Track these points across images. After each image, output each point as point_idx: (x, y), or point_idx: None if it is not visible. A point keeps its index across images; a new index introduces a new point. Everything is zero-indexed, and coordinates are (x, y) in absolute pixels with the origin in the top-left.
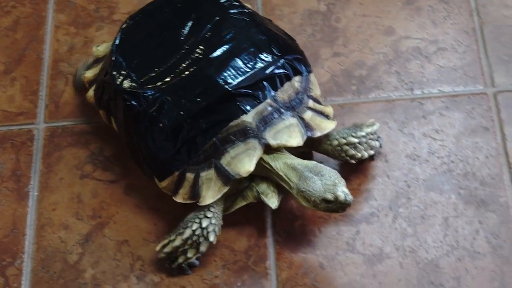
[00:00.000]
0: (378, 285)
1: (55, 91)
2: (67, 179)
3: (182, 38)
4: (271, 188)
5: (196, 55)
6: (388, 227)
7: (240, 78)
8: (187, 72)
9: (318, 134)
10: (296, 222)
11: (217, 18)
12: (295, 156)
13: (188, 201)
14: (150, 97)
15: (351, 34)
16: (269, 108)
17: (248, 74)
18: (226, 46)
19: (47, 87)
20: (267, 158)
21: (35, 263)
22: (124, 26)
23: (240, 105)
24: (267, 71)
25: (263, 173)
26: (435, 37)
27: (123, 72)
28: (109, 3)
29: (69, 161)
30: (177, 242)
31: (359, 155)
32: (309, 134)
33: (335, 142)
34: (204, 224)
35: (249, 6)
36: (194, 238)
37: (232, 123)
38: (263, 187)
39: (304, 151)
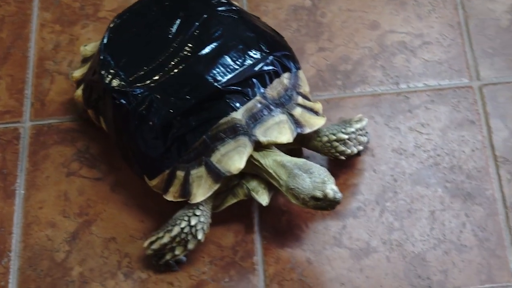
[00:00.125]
0: (365, 279)
1: (41, 89)
2: (54, 177)
3: (170, 36)
4: (261, 185)
5: (185, 53)
6: (375, 221)
7: (229, 76)
8: (176, 70)
9: (308, 130)
10: (283, 218)
11: (205, 16)
12: (285, 153)
13: (178, 199)
14: (139, 95)
15: (336, 29)
16: (259, 105)
17: (237, 71)
18: (215, 44)
19: (33, 85)
20: (256, 155)
21: (22, 262)
22: (112, 25)
23: (229, 103)
24: (256, 68)
25: (253, 170)
26: (420, 31)
27: (111, 71)
28: (94, 0)
29: (55, 159)
30: (165, 239)
31: (349, 151)
32: (299, 130)
33: (325, 139)
34: (193, 222)
35: (236, 3)
36: (183, 235)
37: (221, 121)
38: (253, 184)
39: (294, 148)
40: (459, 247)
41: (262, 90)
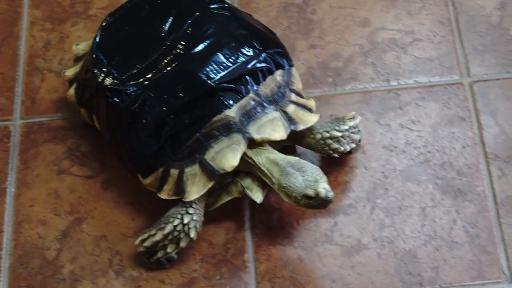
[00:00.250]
0: (357, 276)
1: (31, 87)
2: (44, 175)
3: (163, 34)
4: (255, 182)
5: (178, 50)
6: (366, 218)
7: (223, 73)
8: (169, 68)
9: (301, 127)
10: (274, 215)
11: (197, 13)
12: (278, 150)
13: (173, 197)
14: (132, 93)
15: (327, 26)
16: (252, 103)
17: (230, 69)
18: (208, 41)
19: (23, 83)
20: (250, 153)
21: (13, 260)
22: (104, 23)
23: (223, 100)
24: (249, 66)
25: (246, 168)
26: (411, 28)
27: (104, 69)
28: None
29: (46, 157)
30: (158, 236)
31: (342, 148)
32: (292, 127)
33: (318, 136)
34: (186, 220)
35: (227, 0)
36: (175, 233)
37: (215, 118)
38: (247, 182)
39: (287, 145)
40: (450, 244)
41: (255, 87)
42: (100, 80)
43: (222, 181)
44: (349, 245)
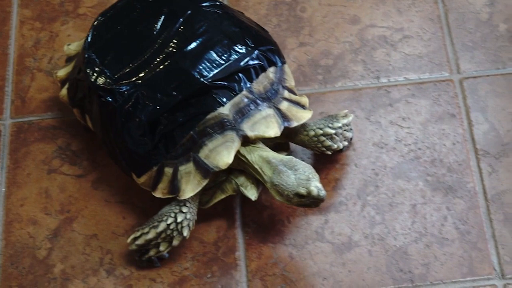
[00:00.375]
0: (348, 274)
1: (21, 87)
2: (35, 174)
3: (155, 33)
4: (250, 180)
5: (170, 49)
6: (356, 215)
7: (215, 71)
8: (161, 66)
9: (295, 124)
10: (265, 213)
11: (189, 11)
12: (271, 147)
13: (167, 196)
14: (125, 92)
15: (317, 23)
16: (245, 100)
17: (223, 67)
18: (200, 39)
19: (13, 82)
20: (243, 150)
21: (4, 259)
22: (95, 23)
23: (216, 98)
24: (242, 63)
25: (239, 166)
26: (401, 25)
27: (96, 69)
28: None
29: (36, 156)
30: (151, 235)
31: (335, 146)
32: (286, 124)
33: (312, 133)
34: (179, 218)
35: None
36: (168, 232)
37: (209, 116)
38: (242, 179)
39: (281, 142)
40: (441, 241)
41: (248, 84)
42: (92, 79)
43: (216, 179)
44: (340, 243)
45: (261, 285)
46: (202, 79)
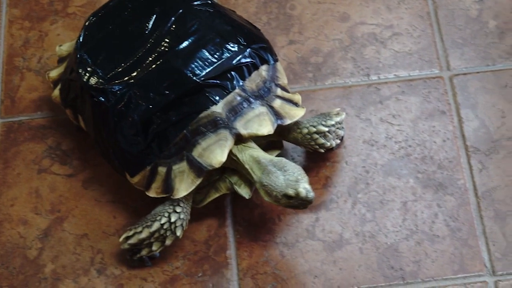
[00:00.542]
0: (339, 271)
1: (11, 86)
2: (25, 174)
3: (147, 32)
4: (243, 178)
5: (162, 48)
6: (347, 213)
7: (208, 69)
8: (154, 66)
9: (288, 121)
10: (256, 211)
11: (180, 10)
12: (265, 145)
13: (161, 195)
14: (118, 92)
15: (307, 21)
16: (238, 98)
17: (215, 65)
18: (192, 38)
19: (3, 82)
20: (234, 149)
21: None
22: (87, 23)
23: (209, 96)
24: (234, 61)
25: (231, 165)
26: (390, 22)
27: (89, 69)
28: None
29: (26, 156)
30: (144, 234)
31: (328, 144)
32: (279, 122)
33: (305, 131)
34: (173, 218)
35: None
36: (162, 231)
37: (202, 115)
38: (235, 178)
39: (274, 140)
40: (432, 238)
41: (241, 82)
42: (85, 79)
43: (210, 178)
44: (331, 240)
45: (252, 284)
46: (194, 78)
